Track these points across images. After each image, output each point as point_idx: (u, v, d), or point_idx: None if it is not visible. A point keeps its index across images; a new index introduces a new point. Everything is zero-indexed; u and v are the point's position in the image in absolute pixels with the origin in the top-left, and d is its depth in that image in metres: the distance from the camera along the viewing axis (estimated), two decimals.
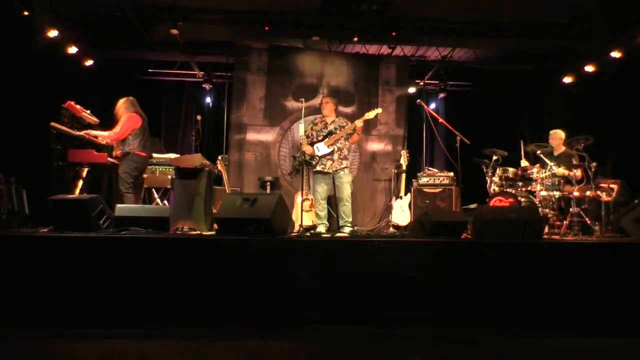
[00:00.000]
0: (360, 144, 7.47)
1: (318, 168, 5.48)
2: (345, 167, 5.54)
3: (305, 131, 5.75)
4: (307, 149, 5.53)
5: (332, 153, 5.47)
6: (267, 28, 6.78)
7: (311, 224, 5.91)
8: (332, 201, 5.84)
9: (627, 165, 6.36)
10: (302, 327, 3.02)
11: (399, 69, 7.70)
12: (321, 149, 5.47)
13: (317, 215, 5.66)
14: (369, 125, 7.47)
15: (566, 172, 5.41)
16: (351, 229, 5.45)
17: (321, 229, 5.50)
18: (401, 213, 6.27)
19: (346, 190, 5.51)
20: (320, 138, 5.54)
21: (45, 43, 5.95)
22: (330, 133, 5.53)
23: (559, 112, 7.93)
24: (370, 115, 5.59)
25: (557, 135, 6.04)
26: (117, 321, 2.97)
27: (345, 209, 5.51)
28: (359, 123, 5.46)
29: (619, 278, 3.25)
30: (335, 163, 5.48)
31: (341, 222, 5.55)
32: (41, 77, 5.68)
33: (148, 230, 3.67)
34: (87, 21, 6.57)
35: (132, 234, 3.53)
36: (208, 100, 8.32)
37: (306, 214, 5.93)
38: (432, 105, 8.40)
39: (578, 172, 5.41)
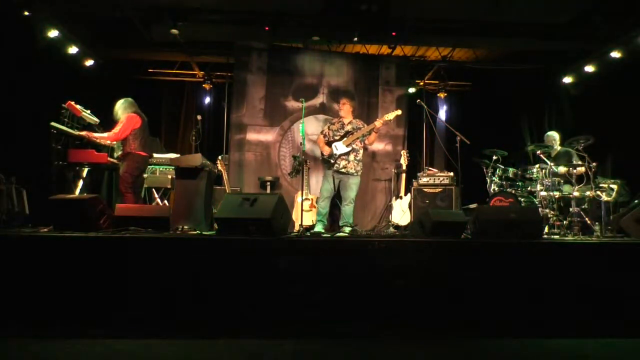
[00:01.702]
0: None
1: (334, 167, 5.51)
2: (360, 169, 5.59)
3: (322, 131, 5.79)
4: (326, 149, 5.58)
5: (348, 153, 5.52)
6: (267, 28, 6.77)
7: (311, 223, 5.91)
8: (334, 201, 5.84)
9: (627, 165, 6.36)
10: (302, 327, 3.02)
11: (399, 69, 7.69)
12: (339, 148, 5.52)
13: (318, 212, 5.66)
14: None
15: (564, 169, 5.45)
16: (351, 228, 5.45)
17: (319, 227, 5.50)
18: (401, 213, 6.27)
19: (353, 192, 5.56)
20: (337, 138, 5.59)
21: (45, 43, 5.95)
22: (347, 133, 5.57)
23: (559, 112, 7.93)
24: (390, 116, 5.67)
25: (551, 138, 6.13)
26: (117, 321, 2.97)
27: (348, 209, 5.54)
28: (378, 123, 5.52)
29: (619, 278, 3.25)
30: (351, 164, 5.53)
31: (341, 222, 5.56)
32: (41, 77, 5.68)
33: (148, 230, 3.68)
34: (87, 21, 6.57)
35: (132, 234, 3.53)
36: (208, 100, 8.32)
37: (306, 214, 5.94)
38: (433, 106, 8.39)
39: (580, 169, 5.43)
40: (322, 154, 5.69)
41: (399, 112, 5.83)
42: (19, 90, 5.39)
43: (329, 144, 5.63)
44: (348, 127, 5.65)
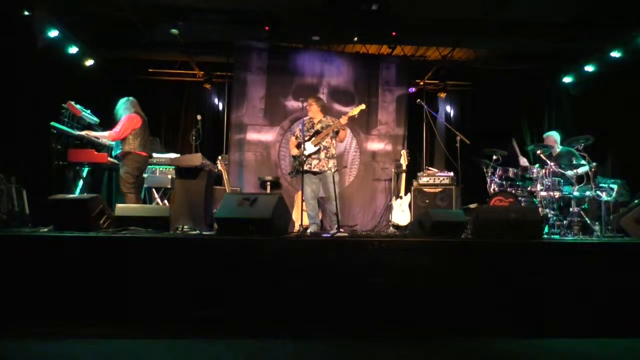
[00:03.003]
0: (360, 144, 7.48)
1: (305, 167, 5.46)
2: (332, 166, 5.50)
3: (293, 132, 5.75)
4: (294, 150, 5.54)
5: (318, 152, 5.45)
6: (267, 28, 6.78)
7: None
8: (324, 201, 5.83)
9: (627, 165, 6.36)
10: (302, 327, 3.02)
11: (399, 68, 7.70)
12: (308, 148, 5.45)
13: (308, 215, 5.62)
14: (369, 125, 7.48)
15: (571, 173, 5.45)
16: (350, 228, 5.42)
17: (312, 229, 5.47)
18: (401, 213, 6.27)
19: (334, 190, 5.48)
20: (306, 138, 5.52)
21: (45, 43, 5.96)
22: (317, 132, 5.52)
23: (559, 112, 7.93)
24: (354, 112, 5.57)
25: (552, 138, 6.11)
26: (117, 321, 2.97)
27: (332, 207, 5.48)
28: (343, 120, 5.45)
29: (619, 278, 3.25)
30: (322, 162, 5.45)
31: (334, 220, 5.51)
32: (41, 77, 5.68)
33: (148, 230, 3.68)
34: (87, 21, 6.58)
35: (132, 233, 3.53)
36: (208, 100, 8.32)
37: (306, 213, 5.93)
38: (433, 105, 8.39)
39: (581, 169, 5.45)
40: (292, 156, 5.60)
41: (363, 106, 5.72)
42: (19, 90, 5.39)
43: (299, 145, 5.56)
44: (318, 127, 5.58)
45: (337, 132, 5.54)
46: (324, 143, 5.47)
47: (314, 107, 5.66)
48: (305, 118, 5.68)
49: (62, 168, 5.28)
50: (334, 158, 5.55)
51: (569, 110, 7.71)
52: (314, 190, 5.53)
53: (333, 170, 5.46)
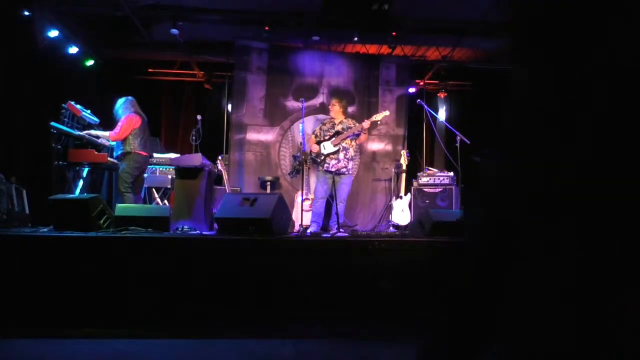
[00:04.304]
0: (360, 144, 7.48)
1: (323, 167, 5.50)
2: (350, 168, 5.56)
3: (313, 131, 5.78)
4: (314, 147, 5.57)
5: (337, 152, 5.49)
6: (267, 28, 6.78)
7: None
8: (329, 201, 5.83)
9: None
10: (303, 327, 3.02)
11: (399, 68, 7.70)
12: (327, 147, 5.50)
13: (312, 213, 5.63)
14: (370, 126, 7.47)
15: None
16: (349, 228, 5.44)
17: (313, 227, 5.48)
18: (401, 213, 6.27)
19: (344, 192, 5.52)
20: (326, 137, 5.58)
21: (46, 43, 5.96)
22: (337, 133, 5.56)
23: None
24: (378, 117, 5.64)
25: None
26: (117, 321, 2.97)
27: (341, 208, 5.50)
28: (365, 124, 5.50)
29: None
30: (340, 163, 5.50)
31: (340, 222, 5.54)
32: (41, 77, 5.68)
33: (148, 230, 3.68)
34: (87, 21, 6.58)
35: (132, 233, 3.53)
36: (208, 100, 8.32)
37: (306, 213, 5.94)
38: (433, 105, 8.38)
39: None
40: (311, 153, 5.66)
41: (387, 113, 5.79)
42: (19, 90, 5.39)
43: (318, 143, 5.61)
44: (338, 127, 5.62)
45: (357, 135, 5.59)
46: (343, 144, 5.51)
47: (336, 107, 5.71)
48: (325, 117, 5.70)
49: (62, 168, 5.28)
50: (352, 160, 5.61)
51: None
52: (325, 190, 5.56)
53: (349, 172, 5.52)
